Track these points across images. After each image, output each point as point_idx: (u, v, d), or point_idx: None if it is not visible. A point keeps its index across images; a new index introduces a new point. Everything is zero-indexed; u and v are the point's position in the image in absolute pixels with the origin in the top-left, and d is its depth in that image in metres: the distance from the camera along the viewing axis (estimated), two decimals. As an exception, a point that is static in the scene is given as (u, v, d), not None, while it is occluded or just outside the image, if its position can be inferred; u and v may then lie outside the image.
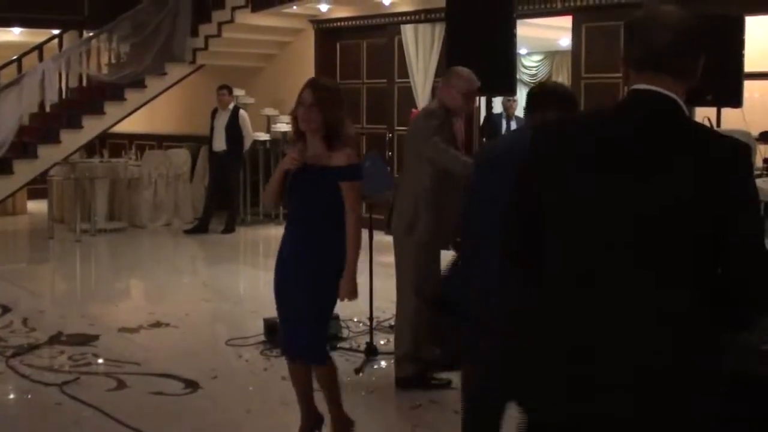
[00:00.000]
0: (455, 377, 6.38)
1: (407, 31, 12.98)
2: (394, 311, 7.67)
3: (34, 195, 15.85)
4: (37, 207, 15.61)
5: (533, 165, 2.70)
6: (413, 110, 12.55)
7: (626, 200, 2.45)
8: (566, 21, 11.94)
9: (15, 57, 15.19)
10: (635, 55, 2.59)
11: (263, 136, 14.29)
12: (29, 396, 6.36)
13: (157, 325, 8.25)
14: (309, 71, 14.06)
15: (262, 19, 14.51)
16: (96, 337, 7.74)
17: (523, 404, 2.74)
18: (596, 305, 2.47)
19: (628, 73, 2.60)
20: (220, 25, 14.61)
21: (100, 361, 7.15)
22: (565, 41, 14.52)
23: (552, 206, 2.60)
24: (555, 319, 2.55)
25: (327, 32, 14.71)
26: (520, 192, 2.77)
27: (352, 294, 4.95)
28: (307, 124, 4.88)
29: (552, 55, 19.02)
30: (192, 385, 6.53)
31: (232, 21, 14.50)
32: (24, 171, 13.65)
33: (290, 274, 4.98)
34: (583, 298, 2.50)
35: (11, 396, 6.51)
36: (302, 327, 4.99)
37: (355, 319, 7.80)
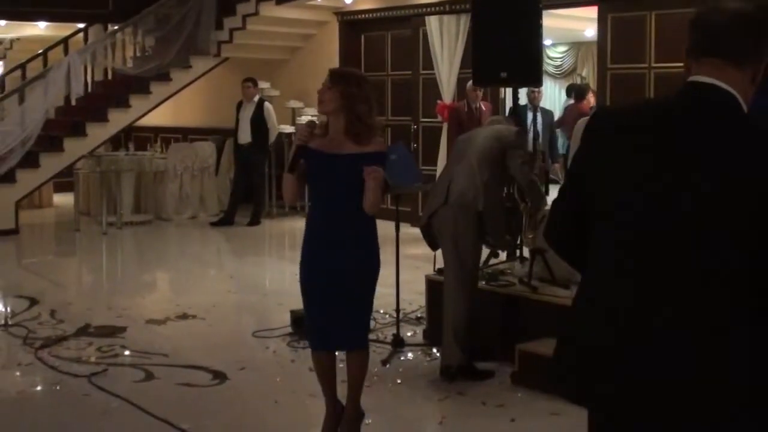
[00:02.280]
0: (493, 367, 6.40)
1: (432, 22, 12.94)
2: (420, 303, 7.70)
3: (60, 188, 15.91)
4: (63, 200, 15.68)
5: (586, 154, 2.66)
6: (438, 102, 12.53)
7: (679, 197, 2.41)
8: (592, 11, 11.88)
9: (41, 51, 15.29)
10: (694, 44, 2.54)
11: (288, 129, 14.28)
12: (58, 387, 6.37)
13: (184, 317, 8.26)
14: (333, 63, 14.02)
15: (287, 12, 14.51)
16: (123, 329, 7.76)
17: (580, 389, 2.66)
18: (648, 293, 2.43)
19: (689, 66, 2.56)
20: (244, 17, 14.61)
21: (128, 352, 7.16)
22: (590, 32, 14.46)
23: (603, 197, 2.56)
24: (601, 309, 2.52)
25: (351, 24, 14.68)
26: (571, 180, 2.73)
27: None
28: (322, 105, 4.93)
29: (577, 46, 18.95)
30: (220, 376, 6.54)
31: (256, 13, 14.50)
32: (50, 164, 13.70)
33: (340, 263, 4.95)
34: (628, 291, 2.46)
35: (40, 387, 6.52)
36: (353, 314, 5.02)
37: (382, 311, 7.78)
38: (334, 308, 4.99)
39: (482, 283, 6.73)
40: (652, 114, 2.60)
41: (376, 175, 4.79)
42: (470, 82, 11.68)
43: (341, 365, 5.29)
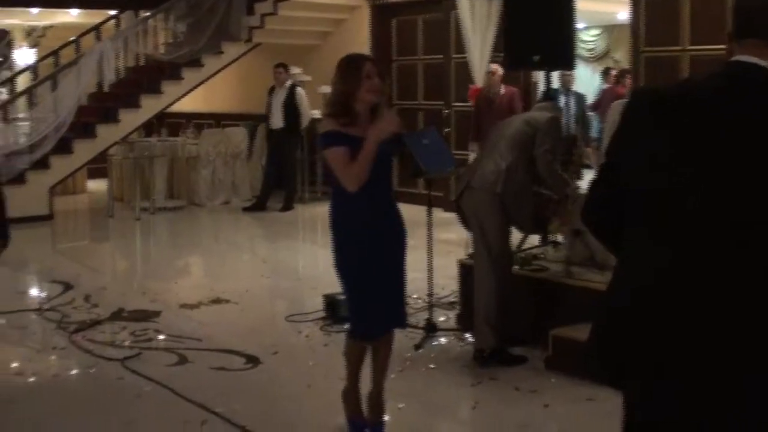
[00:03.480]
0: (527, 352, 6.38)
1: (463, 5, 12.85)
2: (453, 288, 7.68)
3: (93, 174, 15.99)
4: (96, 186, 15.77)
5: (624, 134, 2.64)
6: (470, 86, 12.47)
7: (722, 174, 2.39)
8: (625, -6, 11.78)
9: (73, 38, 15.34)
10: (735, 27, 2.55)
11: (320, 114, 14.26)
12: (92, 371, 6.42)
13: (218, 301, 8.29)
14: (364, 48, 14.00)
15: (318, -3, 14.52)
16: (157, 313, 7.80)
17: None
18: (688, 273, 2.41)
19: (732, 50, 2.55)
20: (275, 2, 14.60)
21: (161, 336, 7.19)
22: (623, 15, 14.34)
23: (641, 177, 2.54)
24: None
25: (382, 8, 14.65)
26: (608, 160, 2.71)
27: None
28: (378, 95, 4.96)
29: (610, 29, 18.81)
30: (253, 360, 6.56)
31: (287, -1, 14.51)
32: (83, 150, 13.78)
33: (394, 247, 5.06)
34: (667, 270, 2.44)
35: (74, 371, 6.56)
36: (403, 296, 5.13)
37: (415, 296, 7.76)
38: (392, 294, 5.07)
39: (515, 268, 6.70)
40: (691, 92, 2.58)
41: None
42: (490, 66, 11.65)
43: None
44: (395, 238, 5.07)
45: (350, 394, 5.26)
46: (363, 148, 4.79)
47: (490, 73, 11.52)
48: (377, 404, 5.19)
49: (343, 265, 5.03)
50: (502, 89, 11.42)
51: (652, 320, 2.47)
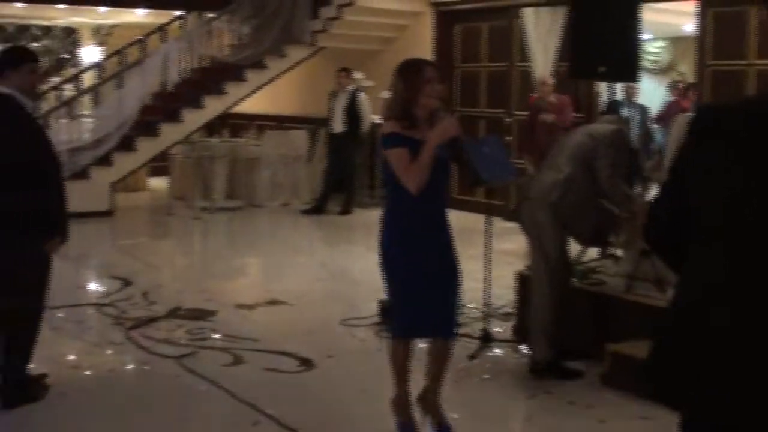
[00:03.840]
0: (583, 367, 6.32)
1: (528, 14, 12.82)
2: (510, 298, 7.62)
3: (155, 172, 16.14)
4: (158, 184, 15.91)
5: (688, 153, 2.59)
6: (531, 96, 12.40)
7: None
8: (692, 5, 11.64)
9: (139, 37, 15.50)
10: None
11: (380, 119, 14.27)
12: (147, 367, 6.47)
13: (274, 302, 8.32)
14: (427, 54, 13.97)
15: (382, 2, 14.51)
16: (213, 313, 7.84)
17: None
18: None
19: None
20: (340, 7, 14.63)
21: (217, 336, 7.23)
22: (689, 27, 14.17)
23: (706, 200, 2.49)
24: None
25: (446, 15, 14.61)
26: (671, 178, 2.66)
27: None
28: (438, 100, 5.00)
29: (675, 41, 18.58)
30: (307, 363, 6.56)
31: (352, 3, 14.51)
32: (146, 149, 13.91)
33: (446, 253, 5.07)
34: (734, 298, 2.39)
35: (130, 366, 6.63)
36: (453, 304, 5.12)
37: (471, 305, 7.71)
38: (440, 300, 5.09)
39: (573, 281, 6.64)
40: (755, 108, 2.52)
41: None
42: (540, 75, 11.66)
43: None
44: (445, 244, 5.08)
45: (398, 401, 5.25)
46: (422, 150, 4.82)
47: (542, 84, 11.52)
48: (433, 411, 5.20)
49: (388, 263, 5.07)
50: (554, 98, 11.43)
51: (706, 338, 2.42)
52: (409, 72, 5.02)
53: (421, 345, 5.43)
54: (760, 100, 2.67)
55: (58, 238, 5.54)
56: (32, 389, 5.72)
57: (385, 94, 14.28)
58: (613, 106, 10.05)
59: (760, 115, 2.47)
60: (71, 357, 6.55)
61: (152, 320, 7.59)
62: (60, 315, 7.73)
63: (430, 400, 5.22)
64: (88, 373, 6.38)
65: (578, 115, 12.39)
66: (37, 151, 5.53)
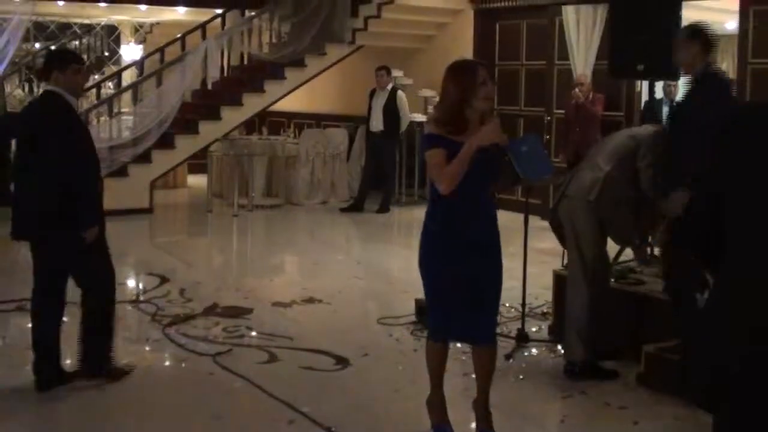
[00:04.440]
0: (619, 367, 6.27)
1: (568, 12, 12.74)
2: (547, 298, 7.59)
3: (194, 170, 16.20)
4: (196, 181, 15.98)
5: (724, 153, 2.56)
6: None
7: None
8: (733, 3, 11.52)
9: (179, 35, 15.57)
10: None
11: (420, 118, 14.25)
12: (183, 364, 6.49)
13: (310, 301, 8.32)
14: (467, 52, 13.93)
15: (422, 0, 14.47)
16: (250, 310, 7.86)
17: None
18: None
19: None
20: (379, 5, 14.63)
21: (253, 333, 7.25)
22: (731, 24, 14.03)
23: (741, 199, 2.46)
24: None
25: (486, 13, 14.56)
26: (707, 179, 2.63)
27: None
28: (492, 101, 4.97)
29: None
30: (342, 361, 6.56)
31: (391, 2, 14.52)
32: (185, 146, 13.97)
33: (486, 257, 4.99)
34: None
35: (166, 363, 6.66)
36: (492, 309, 5.07)
37: (507, 305, 7.67)
38: (476, 305, 5.05)
39: (611, 281, 6.59)
40: None
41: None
42: (579, 74, 11.67)
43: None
44: (482, 251, 4.98)
45: (433, 401, 5.25)
46: (461, 151, 4.77)
47: (577, 84, 11.51)
48: (480, 413, 5.18)
49: (422, 263, 5.08)
50: (590, 96, 11.46)
51: (740, 339, 2.39)
52: (463, 73, 4.92)
53: (459, 346, 5.41)
54: None
55: (95, 228, 5.81)
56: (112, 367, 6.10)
57: (426, 92, 14.37)
58: (653, 105, 9.98)
59: None
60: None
61: (189, 317, 7.63)
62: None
63: (478, 404, 5.19)
64: (125, 369, 6.40)
65: (617, 113, 12.33)
66: (81, 147, 5.82)
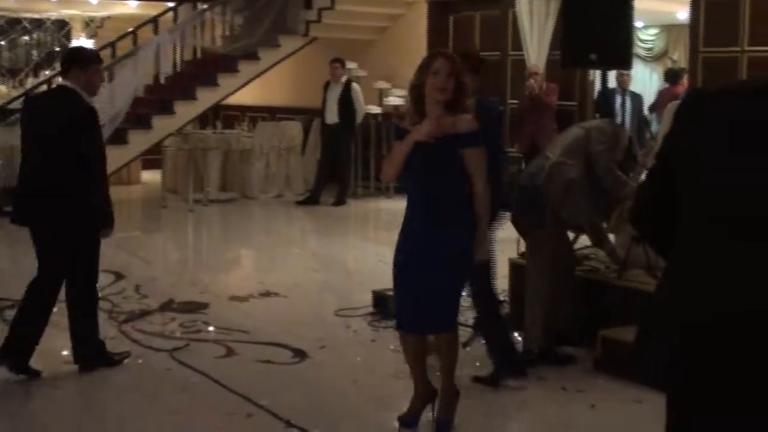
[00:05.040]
0: (576, 352, 6.33)
1: (522, 3, 12.78)
2: (503, 286, 7.60)
3: (148, 165, 16.09)
4: (150, 177, 15.87)
5: (677, 135, 2.58)
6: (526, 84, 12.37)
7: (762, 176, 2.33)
8: (685, -7, 11.65)
9: (131, 29, 15.45)
10: None
11: (375, 110, 14.26)
12: (140, 361, 6.44)
13: (267, 294, 8.30)
14: (421, 44, 13.97)
15: (376, -9, 14.50)
16: (206, 305, 7.83)
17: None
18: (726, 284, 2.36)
19: None
20: (333, -3, 14.62)
21: (210, 328, 7.22)
22: (683, 14, 14.16)
23: (693, 178, 2.48)
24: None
25: (440, 5, 14.59)
26: (659, 162, 2.65)
27: (487, 253, 5.05)
28: (444, 94, 4.87)
29: (669, 29, 18.56)
30: (300, 354, 6.55)
31: (345, -7, 14.51)
32: (138, 141, 13.87)
33: (427, 251, 4.94)
34: (722, 273, 2.38)
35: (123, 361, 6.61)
36: (441, 299, 5.01)
37: (464, 294, 7.67)
38: (423, 294, 5.04)
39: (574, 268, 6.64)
40: (746, 93, 2.51)
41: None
42: (530, 67, 11.73)
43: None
44: (442, 240, 4.94)
45: (414, 392, 5.23)
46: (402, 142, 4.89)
47: (531, 74, 11.55)
48: (440, 401, 5.17)
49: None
50: (544, 86, 11.52)
51: (687, 320, 2.42)
52: (422, 62, 4.98)
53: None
54: (745, 83, 2.66)
55: (108, 227, 6.20)
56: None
57: (381, 84, 14.35)
58: (606, 94, 10.05)
59: (743, 96, 2.47)
60: (65, 352, 6.50)
61: (145, 313, 7.58)
62: (53, 309, 7.70)
63: (441, 391, 5.18)
64: (80, 366, 6.36)
65: (571, 103, 12.41)
66: (100, 145, 6.12)
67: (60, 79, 6.14)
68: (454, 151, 4.87)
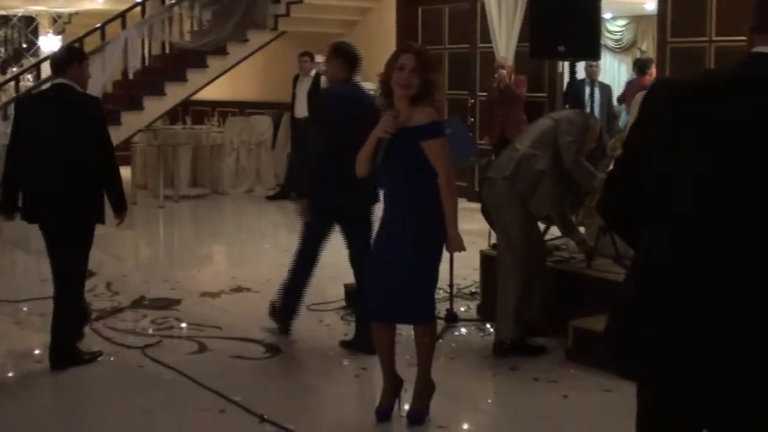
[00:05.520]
0: (548, 343, 6.36)
1: (491, -5, 12.80)
2: (475, 278, 7.65)
3: (117, 161, 15.97)
4: (120, 173, 15.74)
5: (643, 125, 2.60)
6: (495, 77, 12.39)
7: (737, 165, 2.35)
8: (653, -16, 11.70)
9: (98, 25, 15.36)
10: (755, 18, 2.49)
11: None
12: (112, 358, 6.41)
13: (239, 289, 8.30)
14: (390, 37, 13.97)
15: (344, -15, 14.47)
16: (178, 302, 7.81)
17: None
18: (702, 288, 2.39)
19: (752, 42, 2.50)
20: (301, -9, 14.58)
21: (182, 325, 7.20)
22: (650, 5, 14.23)
23: (659, 168, 2.50)
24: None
25: (409, -2, 14.59)
26: (626, 152, 2.67)
27: (461, 247, 5.04)
28: (408, 90, 4.88)
29: (637, 20, 18.65)
30: (272, 349, 6.55)
31: (314, -13, 14.48)
32: (108, 138, 13.76)
33: (393, 243, 5.00)
34: (688, 264, 2.41)
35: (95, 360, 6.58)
36: (410, 290, 5.01)
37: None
38: (392, 285, 5.09)
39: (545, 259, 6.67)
40: (710, 82, 2.54)
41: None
42: (498, 60, 11.75)
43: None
44: (401, 230, 4.98)
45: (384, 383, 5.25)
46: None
47: (499, 67, 11.58)
48: (415, 394, 5.18)
49: None
50: (512, 78, 11.53)
51: (650, 307, 2.45)
52: (391, 55, 5.03)
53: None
54: (712, 73, 2.69)
55: (124, 213, 6.61)
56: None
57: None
58: (575, 86, 10.07)
59: (711, 87, 2.49)
60: (36, 351, 6.48)
61: (116, 311, 7.56)
62: (24, 309, 7.70)
63: (416, 387, 5.19)
64: (52, 365, 6.32)
65: (540, 94, 12.45)
66: (102, 140, 6.42)
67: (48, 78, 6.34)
68: (414, 143, 4.88)
